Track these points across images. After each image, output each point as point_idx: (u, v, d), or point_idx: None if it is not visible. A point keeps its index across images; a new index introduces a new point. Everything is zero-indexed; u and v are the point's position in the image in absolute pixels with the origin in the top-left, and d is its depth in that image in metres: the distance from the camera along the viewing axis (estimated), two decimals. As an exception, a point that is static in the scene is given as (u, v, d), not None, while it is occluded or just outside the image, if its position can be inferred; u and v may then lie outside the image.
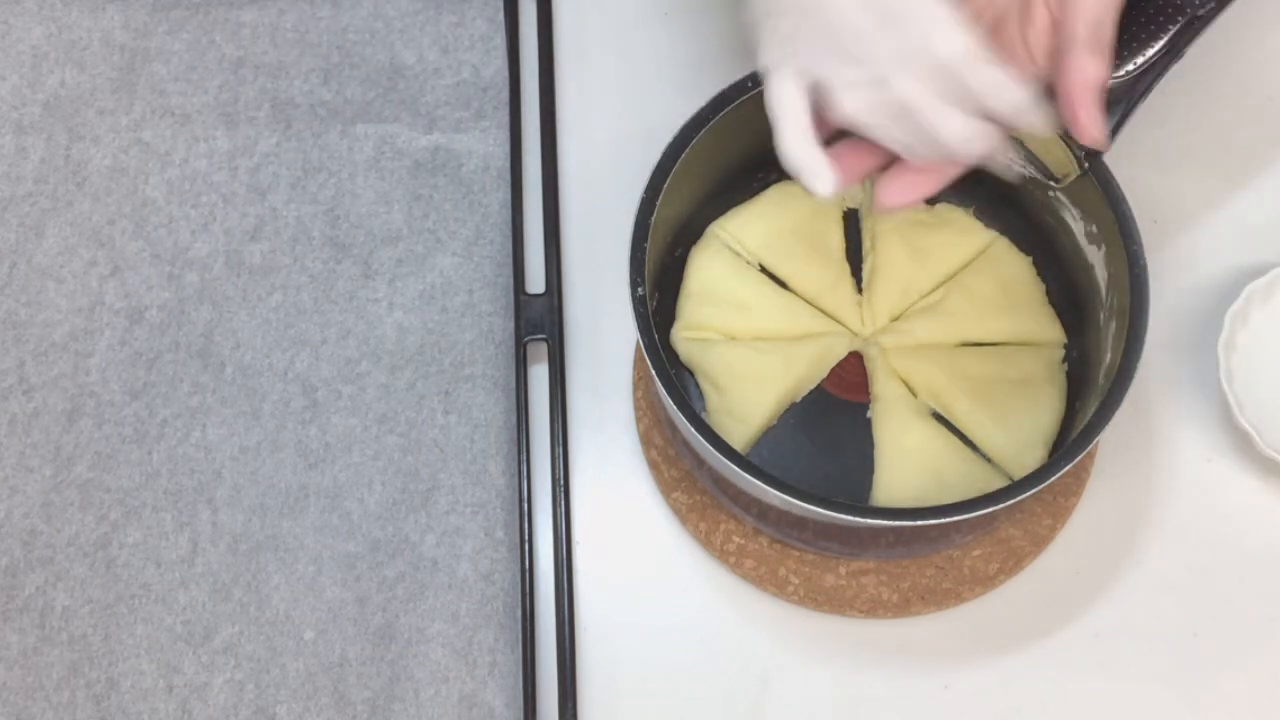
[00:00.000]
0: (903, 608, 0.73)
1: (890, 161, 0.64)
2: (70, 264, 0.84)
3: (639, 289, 0.67)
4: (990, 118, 0.60)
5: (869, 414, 0.75)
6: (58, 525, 0.77)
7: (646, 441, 0.77)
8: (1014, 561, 0.74)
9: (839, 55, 0.60)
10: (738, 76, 0.71)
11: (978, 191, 0.79)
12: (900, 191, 0.64)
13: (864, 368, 0.76)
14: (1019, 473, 0.73)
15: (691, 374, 0.76)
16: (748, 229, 0.78)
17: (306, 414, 0.80)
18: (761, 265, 0.78)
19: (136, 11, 0.91)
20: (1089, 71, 0.60)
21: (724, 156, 0.75)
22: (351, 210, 0.85)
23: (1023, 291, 0.76)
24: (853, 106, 0.60)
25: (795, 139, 0.62)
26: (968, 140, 0.60)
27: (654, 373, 0.66)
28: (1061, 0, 0.61)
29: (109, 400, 0.80)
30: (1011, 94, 0.59)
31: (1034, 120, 0.60)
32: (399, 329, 0.81)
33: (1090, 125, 0.61)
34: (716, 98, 0.71)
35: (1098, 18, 0.60)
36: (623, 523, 0.77)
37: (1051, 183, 0.72)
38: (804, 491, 0.63)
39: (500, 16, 0.89)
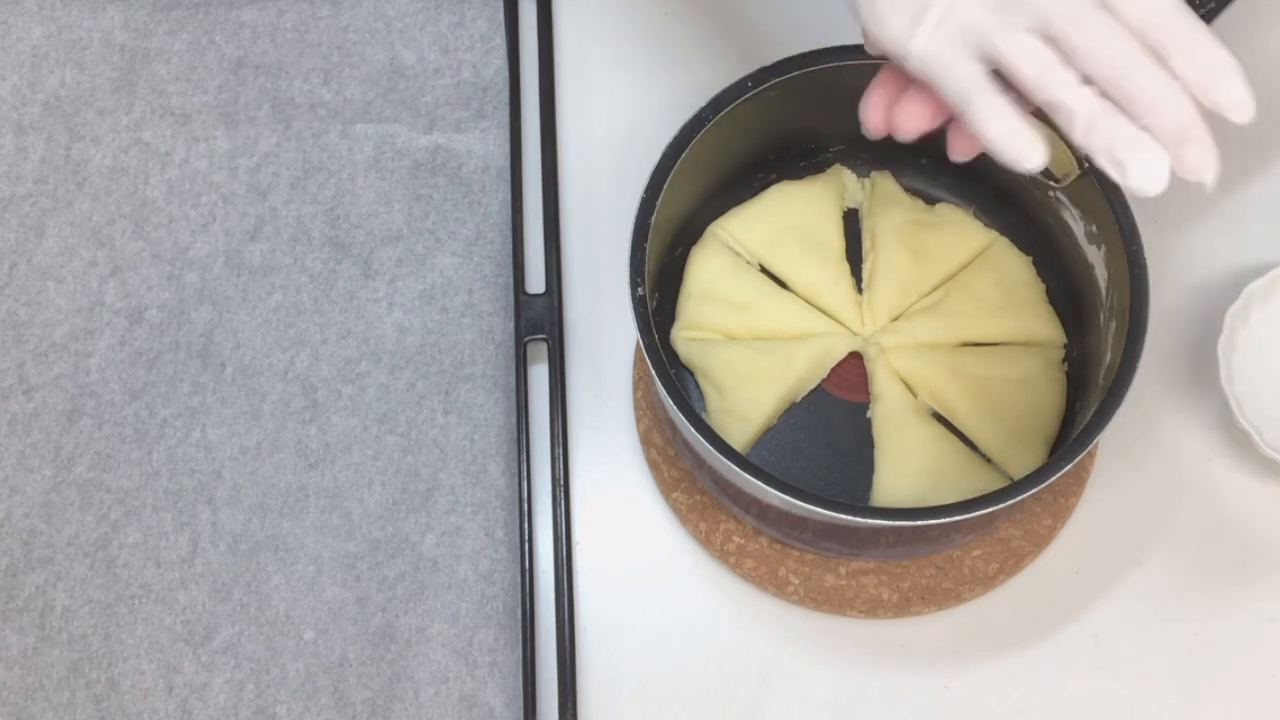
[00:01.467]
0: (903, 608, 0.73)
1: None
2: (70, 264, 0.84)
3: (639, 289, 0.67)
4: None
5: (869, 414, 0.75)
6: (58, 525, 0.77)
7: (646, 441, 0.77)
8: (1014, 561, 0.74)
9: (1005, 11, 0.53)
10: (737, 76, 0.71)
11: (978, 191, 0.79)
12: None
13: (863, 368, 0.76)
14: (1019, 473, 0.73)
15: (691, 374, 0.76)
16: (748, 229, 0.78)
17: (306, 414, 0.80)
18: (761, 265, 0.78)
19: (136, 11, 0.91)
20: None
21: (724, 156, 0.75)
22: (351, 210, 0.85)
23: (1023, 291, 0.76)
24: (1031, 70, 0.53)
25: (998, 110, 0.54)
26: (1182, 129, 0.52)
27: (654, 373, 0.66)
28: None
29: (109, 400, 0.80)
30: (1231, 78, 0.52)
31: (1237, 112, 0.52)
32: (399, 329, 0.81)
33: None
34: (716, 98, 0.71)
35: None
36: (623, 523, 0.77)
37: (1051, 183, 0.72)
38: (804, 491, 0.63)
39: (500, 16, 0.89)
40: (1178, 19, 0.53)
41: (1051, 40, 0.53)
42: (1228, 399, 0.74)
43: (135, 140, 0.87)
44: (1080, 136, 0.53)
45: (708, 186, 0.77)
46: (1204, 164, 0.53)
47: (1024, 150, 0.54)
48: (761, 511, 0.71)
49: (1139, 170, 0.52)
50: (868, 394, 0.75)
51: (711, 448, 0.64)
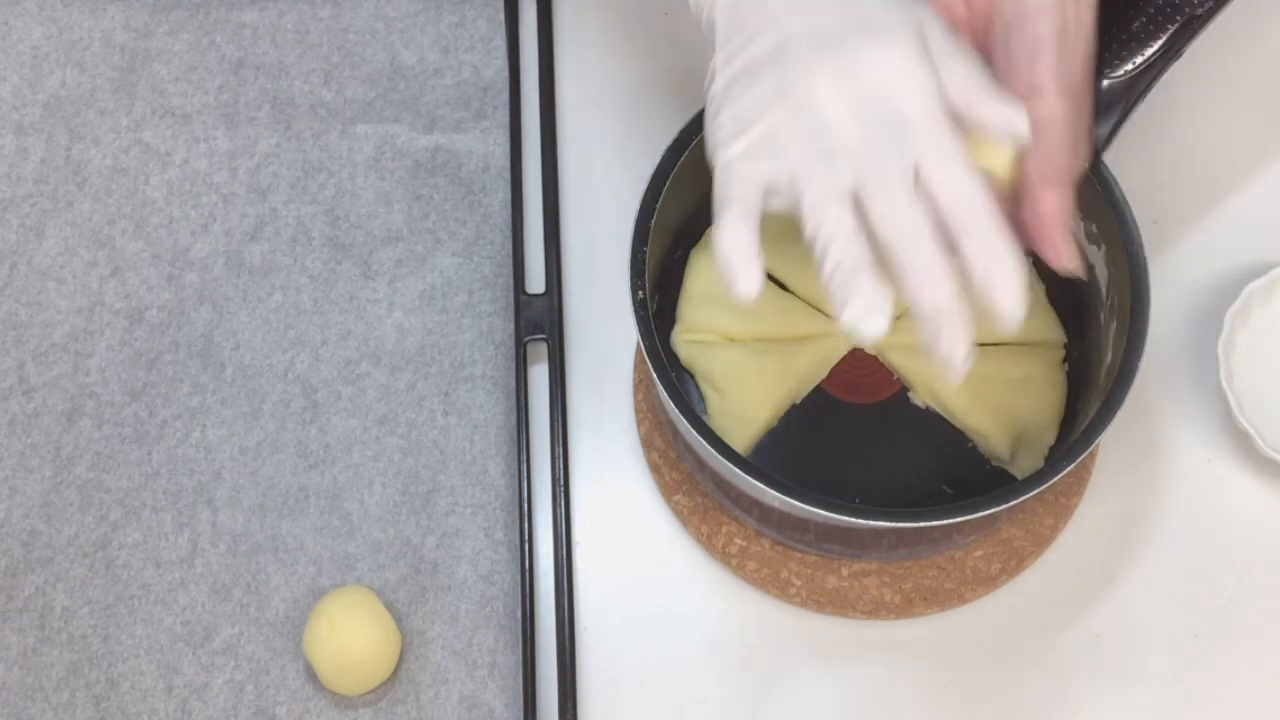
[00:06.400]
0: (905, 609, 0.73)
1: None
2: (70, 264, 0.84)
3: (639, 292, 0.67)
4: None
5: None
6: (58, 525, 0.77)
7: (647, 444, 0.77)
8: (1016, 562, 0.74)
9: (820, 160, 0.56)
10: (738, 77, 0.71)
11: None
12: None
13: (863, 368, 0.76)
14: (1020, 473, 0.73)
15: (692, 376, 0.76)
16: (748, 230, 0.77)
17: (306, 415, 0.80)
18: (761, 266, 0.78)
19: (137, 12, 0.90)
20: (1047, 204, 0.59)
21: (724, 157, 0.75)
22: (351, 210, 0.85)
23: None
24: (816, 221, 0.56)
25: (735, 226, 0.57)
26: (937, 307, 0.55)
27: (655, 376, 0.66)
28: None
29: (109, 400, 0.80)
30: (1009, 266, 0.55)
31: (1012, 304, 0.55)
32: (399, 329, 0.81)
33: (1059, 256, 0.59)
34: (717, 99, 0.71)
35: (1049, 150, 0.58)
36: (623, 524, 0.77)
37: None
38: (805, 493, 0.63)
39: (500, 16, 0.89)
40: (980, 213, 0.55)
41: (858, 200, 0.55)
42: (1228, 399, 0.74)
43: (135, 140, 0.87)
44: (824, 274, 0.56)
45: (707, 188, 0.76)
46: (952, 354, 0.55)
47: (734, 277, 0.57)
48: (763, 514, 0.71)
49: (851, 311, 0.55)
50: (868, 394, 0.75)
51: (713, 450, 0.64)
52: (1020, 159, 0.58)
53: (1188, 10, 0.63)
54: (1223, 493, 0.77)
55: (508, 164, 0.85)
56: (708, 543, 0.75)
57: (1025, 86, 0.58)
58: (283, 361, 0.81)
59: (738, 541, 0.75)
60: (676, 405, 0.65)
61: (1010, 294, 0.55)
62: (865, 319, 0.55)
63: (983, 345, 0.75)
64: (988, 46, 0.60)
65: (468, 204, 0.85)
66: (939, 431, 0.75)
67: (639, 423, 0.78)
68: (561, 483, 0.76)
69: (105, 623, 0.75)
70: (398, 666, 0.73)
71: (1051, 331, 0.76)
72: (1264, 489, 0.77)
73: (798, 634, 0.74)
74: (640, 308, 0.67)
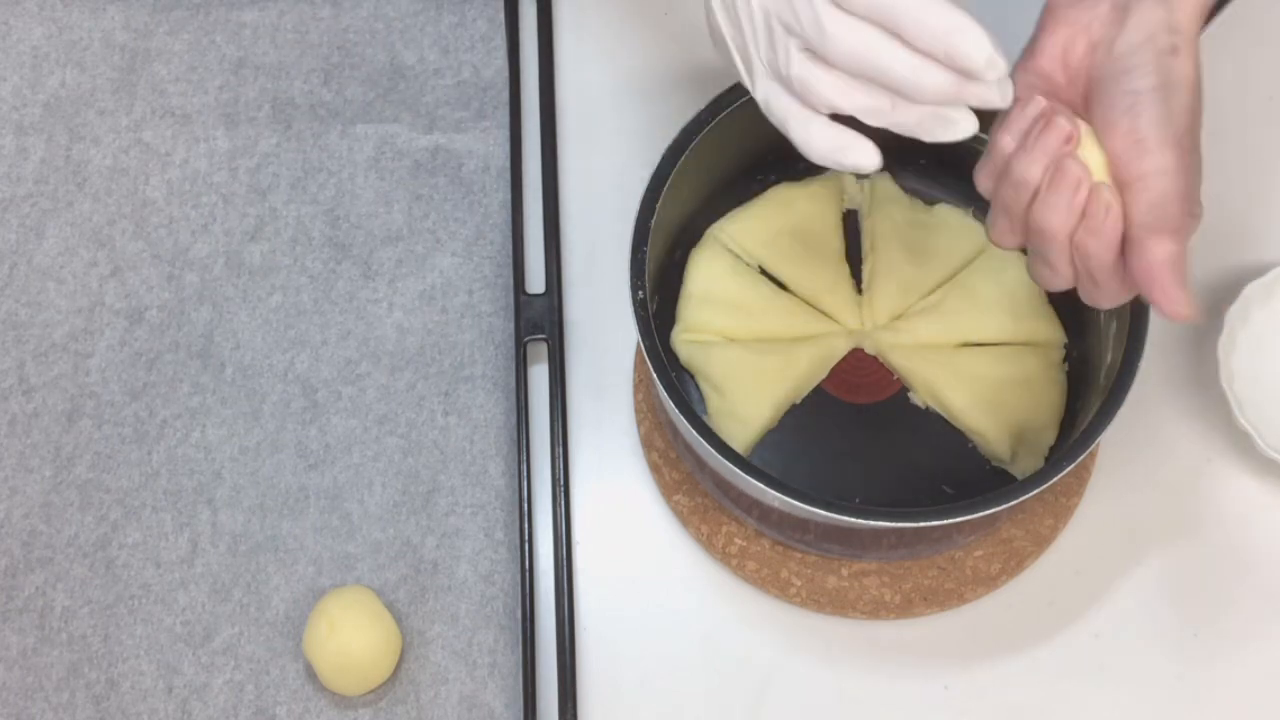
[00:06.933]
0: (905, 609, 0.73)
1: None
2: (70, 264, 0.84)
3: (639, 292, 0.67)
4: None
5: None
6: (58, 525, 0.77)
7: (647, 444, 0.77)
8: (1016, 562, 0.74)
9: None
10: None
11: (977, 192, 0.79)
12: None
13: (863, 368, 0.76)
14: (1021, 473, 0.73)
15: (692, 376, 0.76)
16: (747, 231, 0.77)
17: (306, 415, 0.80)
18: (761, 267, 0.78)
19: (137, 12, 0.91)
20: (1157, 253, 0.56)
21: (723, 158, 0.75)
22: (351, 210, 0.85)
23: (1022, 291, 0.76)
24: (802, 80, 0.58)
25: (810, 127, 0.59)
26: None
27: (655, 376, 0.66)
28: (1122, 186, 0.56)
29: (109, 400, 0.80)
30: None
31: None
32: (399, 330, 0.81)
33: (1174, 304, 0.56)
34: (716, 100, 0.71)
35: (1155, 201, 0.56)
36: (623, 524, 0.77)
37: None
38: (805, 493, 0.63)
39: (500, 16, 0.89)
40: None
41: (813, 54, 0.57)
42: (1228, 399, 0.75)
43: (135, 140, 0.87)
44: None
45: (707, 188, 0.77)
46: (960, 126, 0.56)
47: (856, 158, 0.59)
48: (763, 514, 0.71)
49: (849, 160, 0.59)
50: (868, 395, 0.75)
51: (713, 450, 0.64)
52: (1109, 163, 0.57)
53: (1187, 11, 0.63)
54: (1222, 493, 0.77)
55: (508, 164, 0.85)
56: (708, 543, 0.75)
57: (1126, 139, 0.56)
58: (283, 361, 0.81)
59: (738, 541, 0.75)
60: (676, 405, 0.65)
61: (970, 40, 0.54)
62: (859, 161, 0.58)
63: (983, 345, 0.76)
64: (1087, 108, 0.59)
65: (468, 204, 0.85)
66: (939, 431, 0.75)
67: (639, 423, 0.78)
68: (561, 483, 0.76)
69: (105, 623, 0.75)
70: (398, 666, 0.73)
71: (1051, 331, 0.76)
72: (1264, 489, 0.77)
73: (798, 634, 0.74)
74: (640, 308, 0.67)
